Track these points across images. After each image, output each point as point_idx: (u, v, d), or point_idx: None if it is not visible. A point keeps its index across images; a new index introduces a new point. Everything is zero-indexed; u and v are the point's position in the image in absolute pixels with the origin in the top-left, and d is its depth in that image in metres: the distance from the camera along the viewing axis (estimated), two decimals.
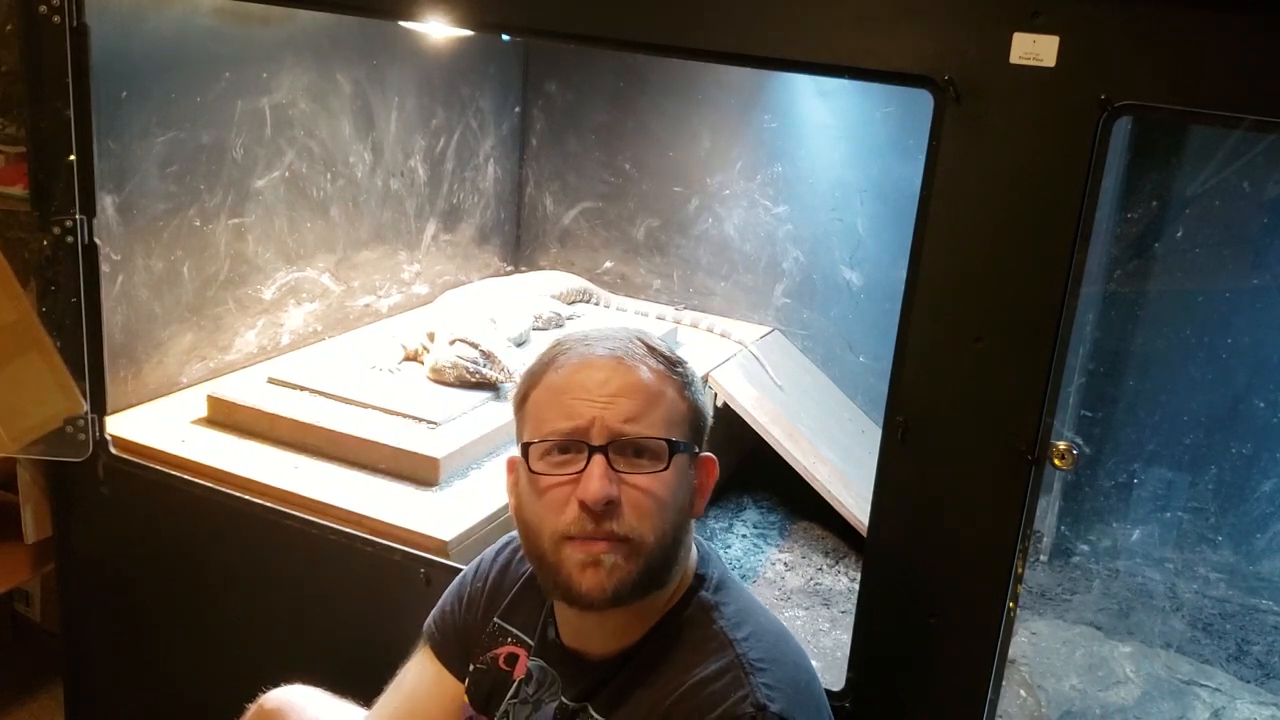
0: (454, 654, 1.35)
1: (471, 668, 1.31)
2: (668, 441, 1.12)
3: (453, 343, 2.15)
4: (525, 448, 1.15)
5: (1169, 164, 2.02)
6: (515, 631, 1.29)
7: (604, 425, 1.11)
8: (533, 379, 1.18)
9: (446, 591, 1.39)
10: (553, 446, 1.13)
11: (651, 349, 1.18)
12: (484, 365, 2.11)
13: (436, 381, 2.15)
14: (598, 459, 1.10)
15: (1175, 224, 2.04)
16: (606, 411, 1.11)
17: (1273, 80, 1.15)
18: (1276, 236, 2.02)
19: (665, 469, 1.12)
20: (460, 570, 1.42)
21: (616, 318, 2.71)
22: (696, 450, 1.19)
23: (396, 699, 1.36)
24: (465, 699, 1.32)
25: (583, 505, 1.09)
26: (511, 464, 1.21)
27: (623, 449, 1.11)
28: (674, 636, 1.17)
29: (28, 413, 1.83)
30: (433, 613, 1.39)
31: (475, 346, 2.12)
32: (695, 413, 1.19)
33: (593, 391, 1.12)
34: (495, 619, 1.31)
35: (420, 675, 1.36)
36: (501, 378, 2.11)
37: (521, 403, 1.19)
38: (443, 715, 1.34)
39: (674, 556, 1.15)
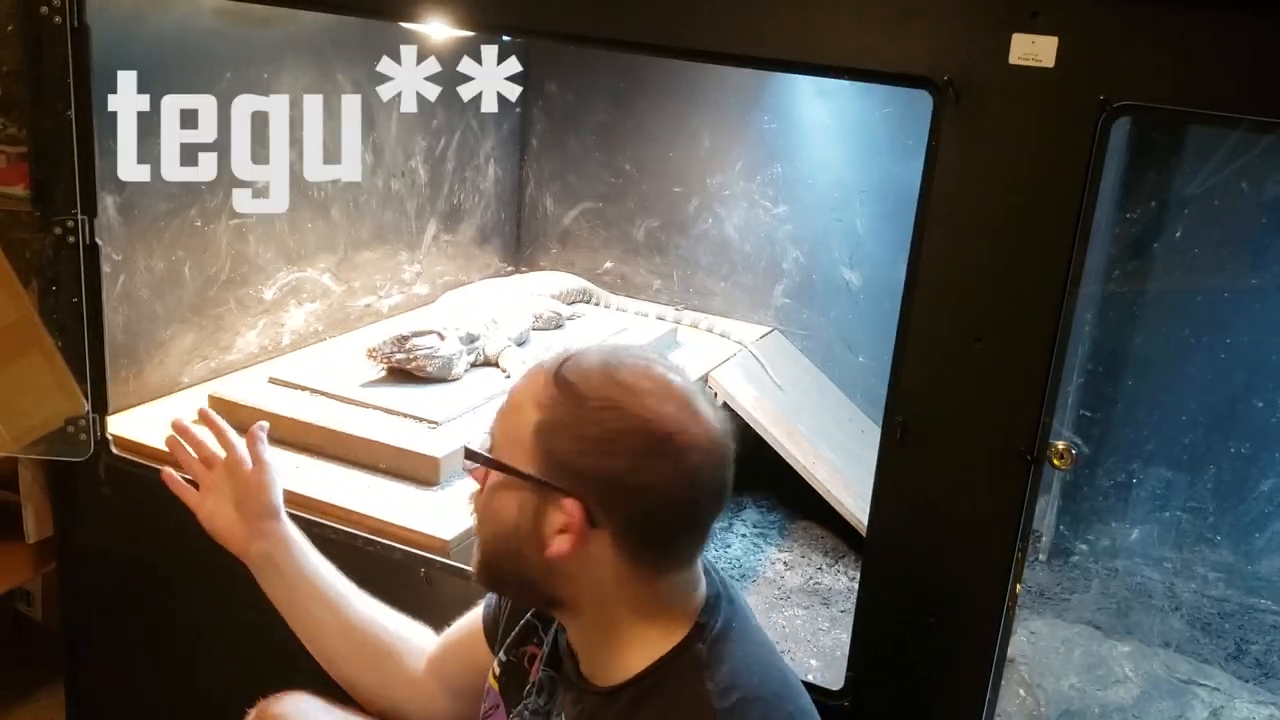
0: (491, 628, 1.38)
1: (505, 658, 1.31)
2: (466, 448, 1.16)
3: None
4: None
5: (1168, 164, 2.03)
6: (542, 633, 1.29)
7: None
8: None
9: None
10: None
11: (559, 368, 1.10)
12: (395, 351, 2.11)
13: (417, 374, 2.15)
14: None
15: (1174, 224, 2.05)
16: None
17: (1272, 80, 1.16)
18: (1275, 237, 2.03)
19: (468, 473, 1.18)
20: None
21: (616, 318, 2.72)
22: (544, 483, 1.09)
23: (455, 634, 1.44)
24: (495, 685, 1.32)
25: None
26: None
27: None
28: (657, 691, 1.12)
29: (29, 412, 1.84)
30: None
31: (402, 339, 2.12)
32: (561, 449, 1.08)
33: None
34: (530, 615, 1.31)
35: (467, 622, 1.42)
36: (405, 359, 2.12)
37: None
38: (468, 664, 1.39)
39: (509, 577, 1.16)
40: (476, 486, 1.18)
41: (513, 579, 1.16)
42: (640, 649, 1.14)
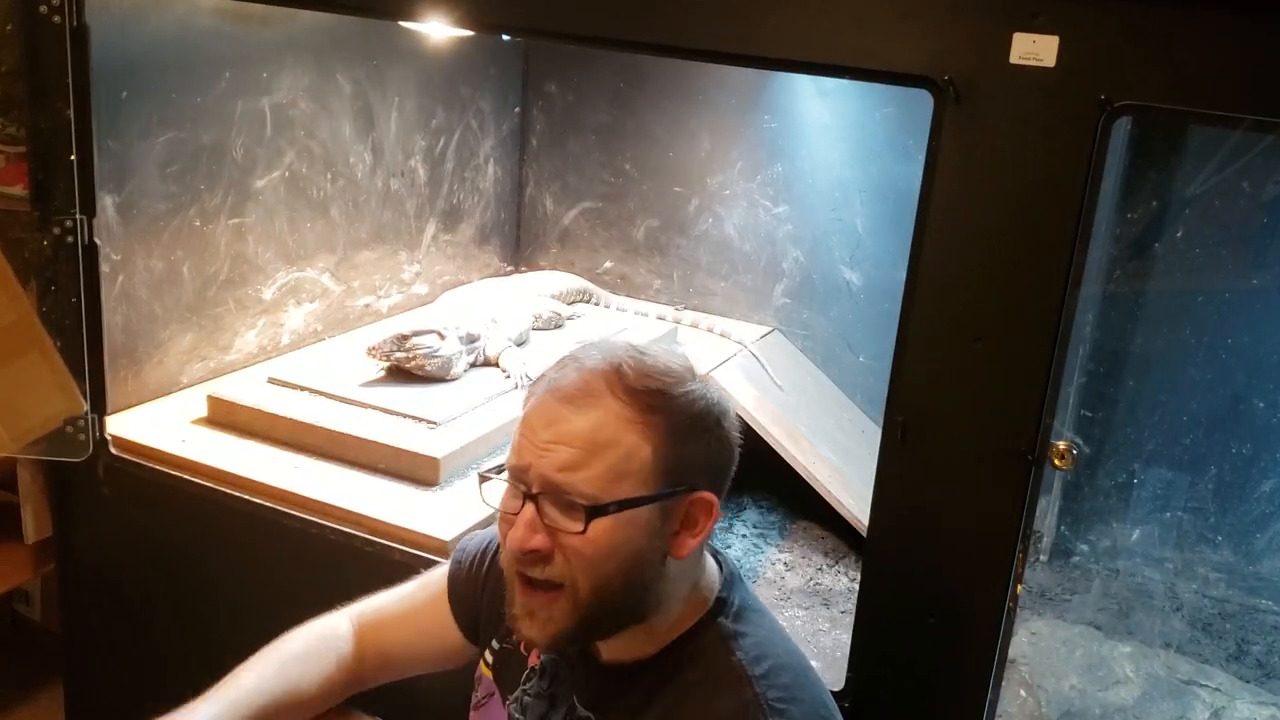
0: (460, 597, 1.37)
1: (498, 646, 1.32)
2: (585, 507, 1.06)
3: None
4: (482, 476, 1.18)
5: (1168, 164, 2.02)
6: None
7: (537, 473, 1.09)
8: (528, 397, 1.17)
9: (479, 536, 1.41)
10: (509, 478, 1.13)
11: (628, 387, 1.09)
12: (396, 349, 2.11)
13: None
14: (528, 506, 1.09)
15: (1175, 224, 2.04)
16: (541, 460, 1.08)
17: (1272, 80, 1.16)
18: (1276, 237, 2.03)
19: (582, 532, 1.07)
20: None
21: (616, 319, 2.72)
22: (671, 493, 1.11)
23: (405, 608, 1.42)
24: (489, 674, 1.33)
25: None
26: None
27: (554, 499, 1.08)
28: (689, 663, 1.15)
29: (28, 412, 1.84)
30: (463, 548, 1.41)
31: (402, 338, 2.11)
32: (671, 458, 1.10)
33: (537, 434, 1.09)
34: None
35: (428, 601, 1.40)
36: (410, 358, 2.11)
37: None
38: (433, 643, 1.40)
39: (633, 603, 1.12)
40: (543, 554, 1.09)
41: (620, 611, 1.12)
42: (666, 626, 1.17)
